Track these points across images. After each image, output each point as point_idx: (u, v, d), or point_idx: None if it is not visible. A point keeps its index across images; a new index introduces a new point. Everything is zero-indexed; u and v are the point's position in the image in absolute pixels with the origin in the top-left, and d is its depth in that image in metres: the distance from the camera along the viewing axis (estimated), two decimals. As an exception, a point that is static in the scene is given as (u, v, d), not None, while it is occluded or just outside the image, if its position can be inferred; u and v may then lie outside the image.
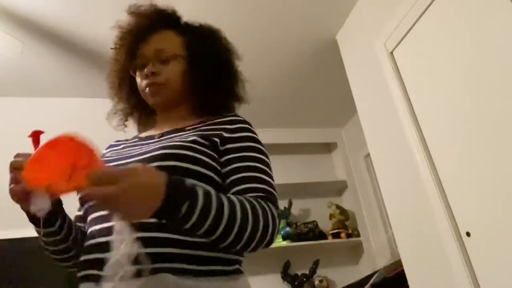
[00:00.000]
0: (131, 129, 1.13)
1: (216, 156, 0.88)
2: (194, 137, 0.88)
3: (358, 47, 2.57)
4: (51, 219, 0.85)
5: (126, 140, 1.05)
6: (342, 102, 3.34)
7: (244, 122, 0.96)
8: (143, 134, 1.05)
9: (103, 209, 0.69)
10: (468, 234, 1.72)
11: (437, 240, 1.87)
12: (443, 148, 1.89)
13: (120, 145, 1.03)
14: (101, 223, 0.80)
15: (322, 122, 3.88)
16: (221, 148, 0.89)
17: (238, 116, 0.98)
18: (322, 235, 3.45)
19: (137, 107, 1.08)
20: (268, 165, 0.91)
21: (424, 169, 1.95)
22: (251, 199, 0.79)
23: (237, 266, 0.84)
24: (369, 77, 2.45)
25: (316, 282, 3.30)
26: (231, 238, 0.73)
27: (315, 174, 3.80)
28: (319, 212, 3.68)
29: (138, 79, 1.02)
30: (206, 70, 1.01)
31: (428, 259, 1.97)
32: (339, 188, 3.88)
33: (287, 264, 3.34)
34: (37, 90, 2.88)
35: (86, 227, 0.88)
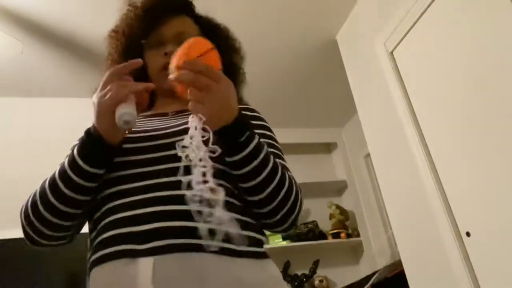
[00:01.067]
0: None
1: None
2: None
3: (358, 47, 2.57)
4: (111, 159, 0.77)
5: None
6: (342, 102, 3.34)
7: (258, 112, 1.00)
8: (148, 112, 0.98)
9: (197, 99, 0.68)
10: (468, 234, 1.72)
11: (437, 240, 1.87)
12: (443, 148, 1.89)
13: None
14: (137, 195, 0.74)
15: (322, 122, 3.88)
16: None
17: (250, 106, 1.00)
18: (322, 235, 3.45)
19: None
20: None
21: (424, 169, 1.95)
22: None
23: (264, 249, 0.80)
24: (369, 77, 2.45)
25: (316, 282, 3.30)
26: (270, 188, 0.75)
27: (315, 174, 3.79)
28: (319, 212, 3.68)
29: (150, 57, 0.96)
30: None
31: (428, 259, 1.97)
32: (339, 188, 3.88)
33: (287, 264, 3.34)
34: (37, 90, 2.88)
35: (101, 203, 0.79)
